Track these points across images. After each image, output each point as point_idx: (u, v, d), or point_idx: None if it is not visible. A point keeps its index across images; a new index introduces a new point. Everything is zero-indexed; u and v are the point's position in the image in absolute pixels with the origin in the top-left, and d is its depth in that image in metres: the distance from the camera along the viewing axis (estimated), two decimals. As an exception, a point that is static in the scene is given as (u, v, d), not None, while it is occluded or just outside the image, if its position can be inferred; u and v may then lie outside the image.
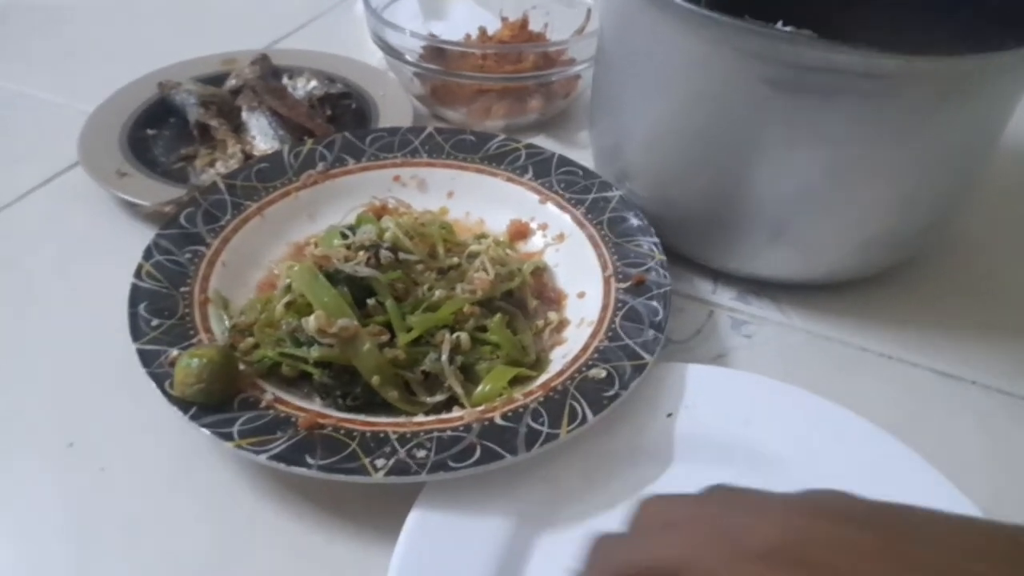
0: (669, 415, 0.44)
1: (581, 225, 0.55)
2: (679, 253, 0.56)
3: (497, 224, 0.57)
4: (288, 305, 0.46)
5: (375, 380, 0.43)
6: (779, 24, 0.64)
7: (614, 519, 0.31)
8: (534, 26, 0.74)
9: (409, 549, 0.37)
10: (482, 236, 0.55)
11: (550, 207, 0.57)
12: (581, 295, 0.51)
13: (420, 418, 0.43)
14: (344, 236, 0.49)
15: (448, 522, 0.39)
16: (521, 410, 0.42)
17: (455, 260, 0.50)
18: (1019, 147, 0.68)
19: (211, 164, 0.63)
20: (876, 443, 0.43)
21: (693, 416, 0.44)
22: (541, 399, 0.42)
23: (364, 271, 0.46)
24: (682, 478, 0.42)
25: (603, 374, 0.44)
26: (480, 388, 0.44)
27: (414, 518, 0.38)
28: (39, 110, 0.72)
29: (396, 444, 0.40)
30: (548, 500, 0.41)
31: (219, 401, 0.41)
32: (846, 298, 0.55)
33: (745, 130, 0.48)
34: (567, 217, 0.55)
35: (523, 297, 0.50)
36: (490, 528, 0.39)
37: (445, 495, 0.39)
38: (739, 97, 0.47)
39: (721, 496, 0.28)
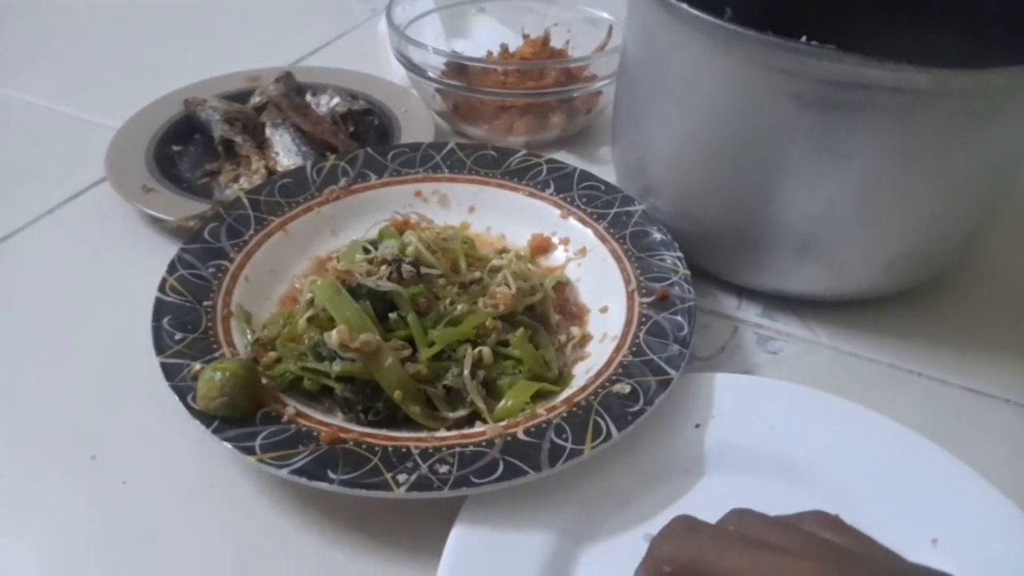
0: (697, 426, 0.44)
1: (603, 239, 0.54)
2: (703, 269, 0.55)
3: (518, 239, 0.57)
4: (310, 319, 0.46)
5: (397, 395, 0.43)
6: (803, 39, 0.63)
7: (654, 530, 0.31)
8: (555, 43, 0.74)
9: (453, 566, 0.37)
10: (504, 251, 0.54)
11: (572, 221, 0.56)
12: (604, 310, 0.51)
13: (442, 433, 0.42)
14: (366, 251, 0.49)
15: (490, 539, 0.38)
16: (544, 425, 0.41)
17: (477, 275, 0.50)
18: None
19: (235, 180, 0.64)
20: (905, 443, 0.43)
21: (721, 426, 0.44)
22: (564, 414, 0.42)
23: (386, 285, 0.46)
24: (716, 488, 0.42)
25: (627, 389, 0.43)
26: (502, 403, 0.44)
27: (457, 535, 0.38)
28: (68, 126, 0.73)
29: (418, 459, 0.39)
30: (586, 515, 0.40)
31: (242, 415, 0.41)
32: (873, 315, 0.54)
33: (771, 146, 0.48)
34: (589, 231, 0.55)
35: (545, 312, 0.50)
36: (533, 544, 0.38)
37: (485, 511, 0.39)
38: (765, 112, 0.47)
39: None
